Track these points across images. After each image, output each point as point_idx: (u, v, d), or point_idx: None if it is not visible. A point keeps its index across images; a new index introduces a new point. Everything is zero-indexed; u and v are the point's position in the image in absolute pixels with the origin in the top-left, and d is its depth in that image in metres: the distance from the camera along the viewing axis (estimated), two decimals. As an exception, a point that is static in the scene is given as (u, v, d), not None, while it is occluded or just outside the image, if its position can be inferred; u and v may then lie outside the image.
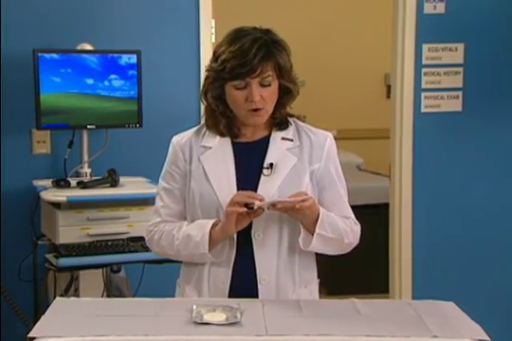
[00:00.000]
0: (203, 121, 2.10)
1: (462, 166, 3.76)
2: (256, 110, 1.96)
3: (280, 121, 2.06)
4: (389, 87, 4.44)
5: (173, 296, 2.12)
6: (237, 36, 1.95)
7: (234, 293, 1.98)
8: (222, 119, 2.03)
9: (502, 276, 3.82)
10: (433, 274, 3.78)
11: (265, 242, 1.98)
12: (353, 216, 2.09)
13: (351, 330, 1.70)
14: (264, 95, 1.95)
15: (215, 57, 1.98)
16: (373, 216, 4.16)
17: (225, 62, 1.93)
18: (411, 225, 3.75)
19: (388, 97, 5.06)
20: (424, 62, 3.66)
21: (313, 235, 1.96)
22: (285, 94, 2.02)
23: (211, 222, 1.97)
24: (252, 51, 1.91)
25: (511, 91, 3.73)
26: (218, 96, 2.00)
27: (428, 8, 3.62)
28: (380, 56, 5.18)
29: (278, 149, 2.03)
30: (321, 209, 1.97)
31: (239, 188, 1.98)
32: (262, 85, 1.94)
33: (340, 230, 2.00)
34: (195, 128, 2.12)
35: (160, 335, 1.66)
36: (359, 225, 2.09)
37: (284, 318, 1.78)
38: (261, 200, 1.90)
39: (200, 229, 1.97)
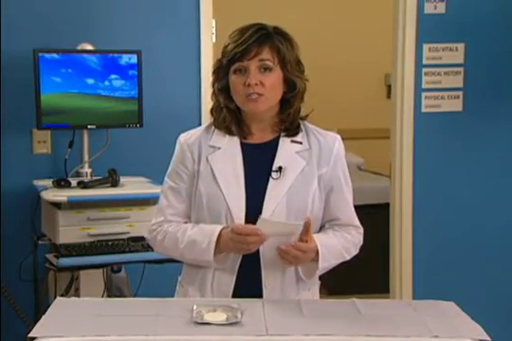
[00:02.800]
0: (210, 121, 2.09)
1: (462, 166, 3.76)
2: (254, 95, 1.93)
3: (289, 126, 2.03)
4: (389, 87, 4.44)
5: (174, 295, 2.12)
6: (245, 26, 1.98)
7: (238, 295, 1.97)
8: (228, 115, 2.01)
9: (502, 275, 3.82)
10: (434, 274, 3.78)
11: (271, 247, 1.96)
12: (357, 222, 2.08)
13: (351, 330, 1.70)
14: (263, 81, 1.93)
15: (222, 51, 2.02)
16: (373, 216, 4.15)
17: (226, 49, 1.97)
18: (411, 225, 3.75)
19: (388, 97, 5.06)
20: (424, 61, 3.66)
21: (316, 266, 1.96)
22: (290, 89, 2.00)
23: (218, 229, 1.94)
24: (249, 33, 1.94)
25: (511, 91, 3.73)
26: (223, 87, 2.00)
27: (428, 8, 3.62)
28: (380, 56, 5.17)
29: (287, 151, 2.01)
30: (319, 244, 1.94)
31: (247, 191, 1.97)
32: (261, 71, 1.94)
33: (342, 253, 2.02)
34: (204, 126, 2.10)
35: (161, 335, 1.66)
36: (362, 229, 2.09)
37: (285, 318, 1.78)
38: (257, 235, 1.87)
39: (206, 236, 1.95)
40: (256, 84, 1.93)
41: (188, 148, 2.04)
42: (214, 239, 1.93)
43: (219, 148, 2.02)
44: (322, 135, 2.06)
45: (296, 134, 2.04)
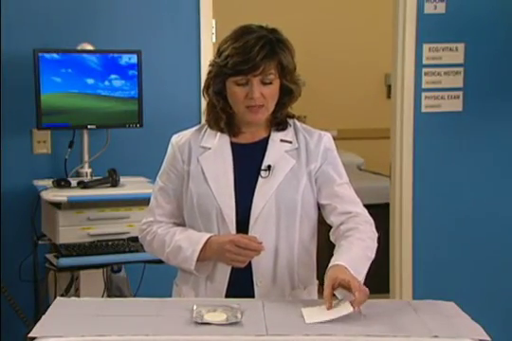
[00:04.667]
0: (204, 119, 2.10)
1: (462, 166, 3.76)
2: (255, 107, 1.95)
3: (279, 121, 2.06)
4: (389, 87, 4.44)
5: (171, 296, 2.13)
6: (242, 33, 1.95)
7: (231, 293, 1.98)
8: (222, 115, 2.02)
9: (502, 275, 3.82)
10: (433, 274, 3.78)
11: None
12: (360, 209, 2.06)
13: (351, 330, 1.70)
14: (264, 92, 1.94)
15: (219, 52, 1.97)
16: (373, 216, 4.14)
17: (228, 58, 1.93)
18: (411, 225, 3.75)
19: (388, 97, 5.06)
20: (424, 61, 3.66)
21: None
22: (287, 94, 2.01)
23: (205, 238, 1.96)
24: (256, 49, 1.90)
25: (511, 91, 3.73)
26: (219, 91, 2.00)
27: (428, 8, 3.62)
28: (381, 56, 5.18)
29: (276, 151, 2.02)
30: (343, 262, 1.87)
31: (237, 190, 1.98)
32: (263, 83, 1.94)
33: (367, 255, 1.98)
34: (195, 128, 2.12)
35: (161, 335, 1.66)
36: (369, 217, 2.07)
37: (285, 318, 1.77)
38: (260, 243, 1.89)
39: (191, 244, 1.97)
40: (258, 97, 1.94)
41: (178, 149, 2.06)
42: (198, 248, 1.95)
43: (209, 148, 2.03)
44: (310, 133, 2.07)
45: (284, 128, 2.05)
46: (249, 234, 1.96)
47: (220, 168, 2.01)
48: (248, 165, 2.02)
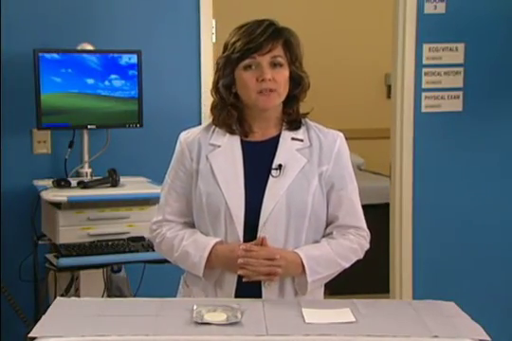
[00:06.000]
0: (209, 120, 2.07)
1: (462, 166, 3.76)
2: (267, 91, 1.93)
3: (293, 119, 2.03)
4: (389, 87, 4.44)
5: (174, 295, 2.12)
6: (245, 23, 1.97)
7: (240, 295, 1.96)
8: (234, 112, 2.00)
9: (502, 275, 3.82)
10: (434, 274, 3.78)
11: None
12: (359, 223, 2.05)
13: (351, 330, 1.70)
14: (275, 76, 1.93)
15: (225, 46, 1.99)
16: (373, 216, 4.14)
17: (234, 44, 1.94)
18: (411, 225, 3.75)
19: (388, 97, 5.05)
20: (424, 61, 3.66)
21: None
22: (297, 84, 2.00)
23: (211, 244, 1.95)
24: (260, 29, 1.93)
25: (511, 91, 3.73)
26: (229, 84, 1.98)
27: (428, 8, 3.62)
28: (381, 56, 5.17)
29: (287, 149, 2.00)
30: (302, 255, 1.93)
31: (247, 189, 1.96)
32: (272, 66, 1.94)
33: (336, 261, 1.99)
34: (204, 125, 2.10)
35: (161, 335, 1.66)
36: (366, 231, 2.06)
37: (285, 318, 1.77)
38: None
39: (198, 250, 1.96)
40: (269, 80, 1.92)
41: (187, 146, 2.03)
42: (206, 254, 1.94)
43: (219, 146, 2.01)
44: (324, 133, 2.05)
45: (298, 127, 2.03)
46: (258, 235, 1.94)
47: (230, 166, 1.98)
48: (259, 163, 1.99)
